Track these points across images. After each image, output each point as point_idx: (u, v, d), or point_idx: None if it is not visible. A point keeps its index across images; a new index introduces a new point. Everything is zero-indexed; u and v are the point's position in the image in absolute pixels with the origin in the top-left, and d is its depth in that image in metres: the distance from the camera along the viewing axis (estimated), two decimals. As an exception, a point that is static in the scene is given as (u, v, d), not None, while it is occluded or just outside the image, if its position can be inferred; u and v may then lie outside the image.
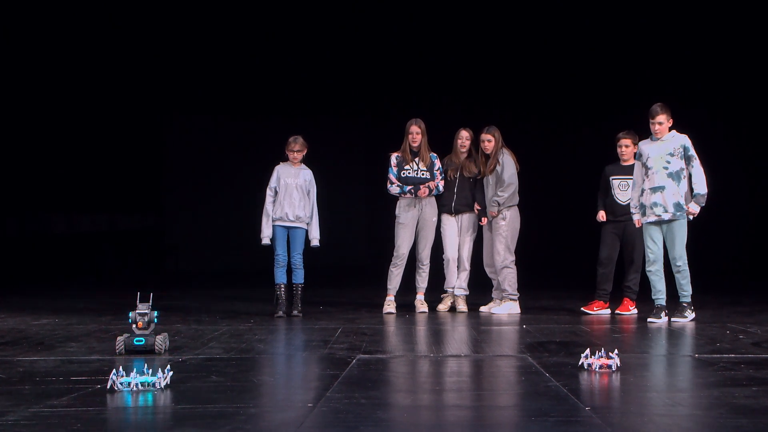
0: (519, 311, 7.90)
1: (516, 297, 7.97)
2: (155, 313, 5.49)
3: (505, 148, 8.05)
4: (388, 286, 8.09)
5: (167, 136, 15.83)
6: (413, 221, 8.09)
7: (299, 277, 7.95)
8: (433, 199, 8.16)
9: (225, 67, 14.24)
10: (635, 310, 7.80)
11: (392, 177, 8.14)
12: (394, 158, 8.18)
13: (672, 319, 7.18)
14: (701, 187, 7.11)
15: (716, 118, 13.38)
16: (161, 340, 5.48)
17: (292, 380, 4.87)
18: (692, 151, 7.15)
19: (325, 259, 13.40)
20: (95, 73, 13.50)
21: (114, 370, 4.26)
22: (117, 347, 5.43)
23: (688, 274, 7.22)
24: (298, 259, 7.92)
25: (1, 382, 4.49)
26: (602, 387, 4.42)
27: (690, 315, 7.21)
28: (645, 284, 7.73)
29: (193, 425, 3.53)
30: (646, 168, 7.25)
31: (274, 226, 7.92)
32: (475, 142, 8.18)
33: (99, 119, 13.97)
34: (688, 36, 13.12)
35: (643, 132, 8.06)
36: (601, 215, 8.00)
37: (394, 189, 8.14)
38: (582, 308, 7.90)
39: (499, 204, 7.91)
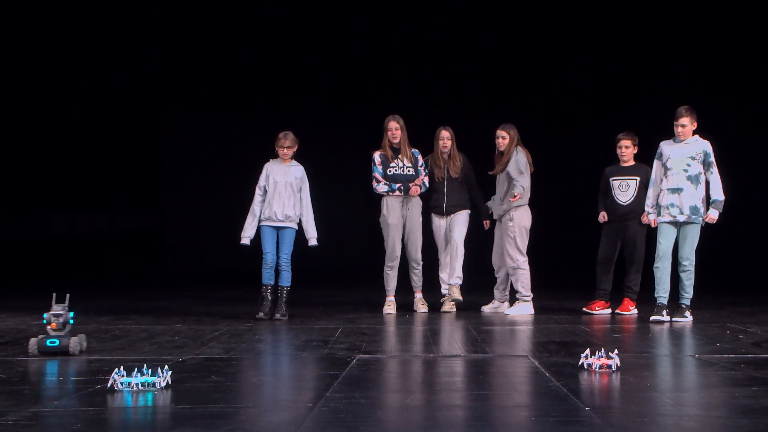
0: (533, 312, 7.85)
1: (529, 298, 7.91)
2: (71, 314, 5.44)
3: (521, 147, 7.95)
4: (386, 288, 8.04)
5: (166, 136, 15.83)
6: (401, 221, 7.96)
7: (285, 279, 7.63)
8: (418, 198, 8.01)
9: (224, 66, 14.24)
10: (635, 310, 7.80)
11: (378, 176, 7.98)
12: (377, 156, 8.01)
13: (673, 318, 7.17)
14: (719, 193, 7.14)
15: (712, 117, 13.34)
16: (76, 342, 5.40)
17: (292, 380, 4.87)
18: (712, 158, 7.18)
19: (325, 259, 13.43)
20: (94, 73, 13.51)
21: (115, 370, 4.26)
22: (30, 348, 5.36)
23: (693, 276, 7.22)
24: (285, 261, 7.60)
25: (1, 382, 4.49)
26: (602, 387, 4.41)
27: (689, 317, 7.22)
28: (645, 284, 7.73)
29: (193, 425, 3.53)
30: (666, 168, 7.28)
31: (262, 226, 7.64)
32: (464, 140, 8.07)
33: (98, 120, 13.98)
34: (691, 36, 13.11)
35: (644, 133, 8.04)
36: (603, 216, 7.99)
37: (381, 188, 7.97)
38: (584, 309, 7.90)
39: (523, 188, 7.76)
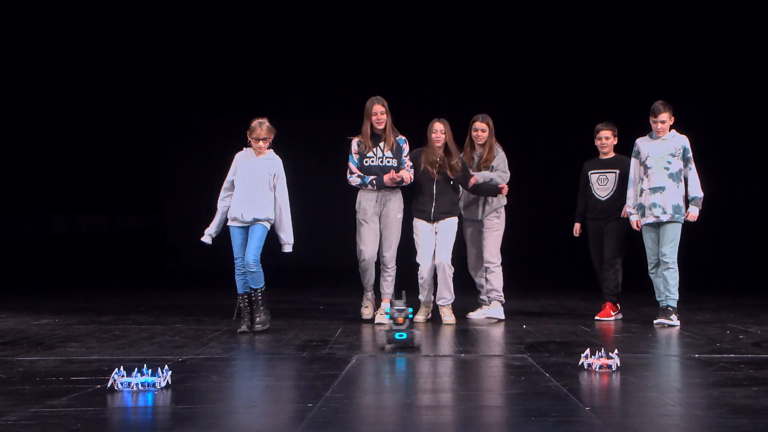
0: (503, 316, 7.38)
1: (503, 299, 7.43)
2: (410, 310, 5.69)
3: (497, 142, 7.44)
4: (363, 282, 7.27)
5: (166, 136, 15.83)
6: (375, 218, 7.13)
7: (256, 280, 6.43)
8: (399, 193, 7.20)
9: (223, 66, 14.25)
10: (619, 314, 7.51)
11: (353, 166, 7.15)
12: (355, 144, 7.20)
13: (655, 321, 6.89)
14: (698, 190, 6.95)
15: (707, 115, 13.31)
16: (419, 336, 5.69)
17: (292, 380, 4.87)
18: (690, 153, 6.98)
19: (324, 259, 13.43)
20: (94, 73, 13.51)
21: (115, 370, 4.26)
22: (380, 341, 5.69)
23: (677, 276, 6.93)
24: (253, 259, 6.40)
25: (1, 382, 4.49)
26: (602, 387, 4.42)
27: (675, 321, 6.86)
28: (645, 286, 7.72)
29: (193, 425, 3.53)
30: (645, 167, 7.04)
31: (229, 226, 6.58)
32: (459, 132, 7.48)
33: (98, 119, 13.98)
34: (690, 34, 13.11)
35: (628, 126, 7.71)
36: (577, 228, 7.69)
37: (354, 180, 7.13)
38: (596, 317, 7.38)
39: (503, 180, 7.25)
